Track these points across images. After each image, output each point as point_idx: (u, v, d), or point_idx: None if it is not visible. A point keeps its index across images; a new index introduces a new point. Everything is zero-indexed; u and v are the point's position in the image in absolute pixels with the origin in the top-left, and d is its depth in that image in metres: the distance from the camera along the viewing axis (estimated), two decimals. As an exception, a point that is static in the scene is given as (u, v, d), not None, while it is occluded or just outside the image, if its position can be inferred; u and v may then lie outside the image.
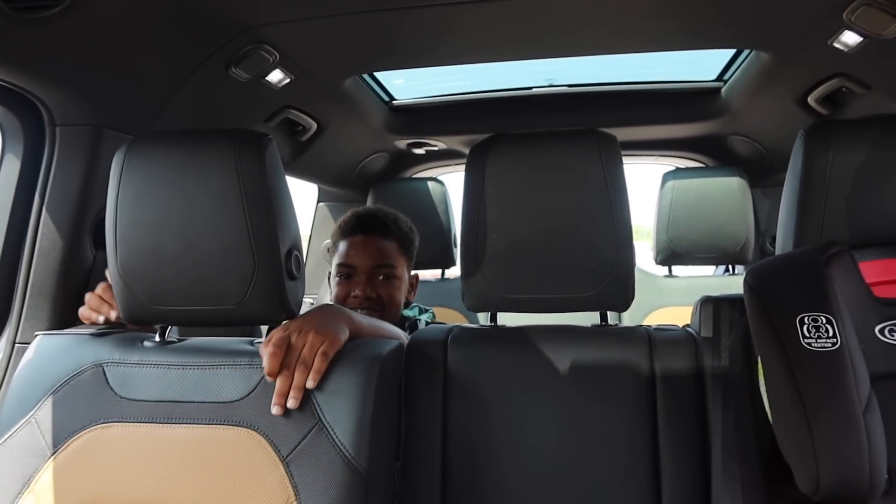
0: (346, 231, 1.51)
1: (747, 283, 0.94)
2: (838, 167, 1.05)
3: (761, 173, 2.38)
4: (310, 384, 0.98)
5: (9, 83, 1.19)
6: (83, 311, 1.21)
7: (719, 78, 2.09)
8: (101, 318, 1.18)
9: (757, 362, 0.96)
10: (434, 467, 1.14)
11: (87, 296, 1.22)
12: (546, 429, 1.15)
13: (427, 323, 1.60)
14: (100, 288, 1.21)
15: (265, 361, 0.99)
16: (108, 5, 1.13)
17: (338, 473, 0.95)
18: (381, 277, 1.48)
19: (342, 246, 1.51)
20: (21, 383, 1.08)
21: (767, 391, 0.90)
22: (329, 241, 2.16)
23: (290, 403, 0.97)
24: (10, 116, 1.29)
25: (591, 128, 1.19)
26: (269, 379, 0.99)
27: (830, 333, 0.84)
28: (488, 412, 1.16)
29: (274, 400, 0.98)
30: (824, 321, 0.85)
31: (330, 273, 1.58)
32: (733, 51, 1.89)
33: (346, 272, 1.49)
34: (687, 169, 2.52)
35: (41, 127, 1.31)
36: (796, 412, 0.82)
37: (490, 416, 1.16)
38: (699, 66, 2.09)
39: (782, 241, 1.13)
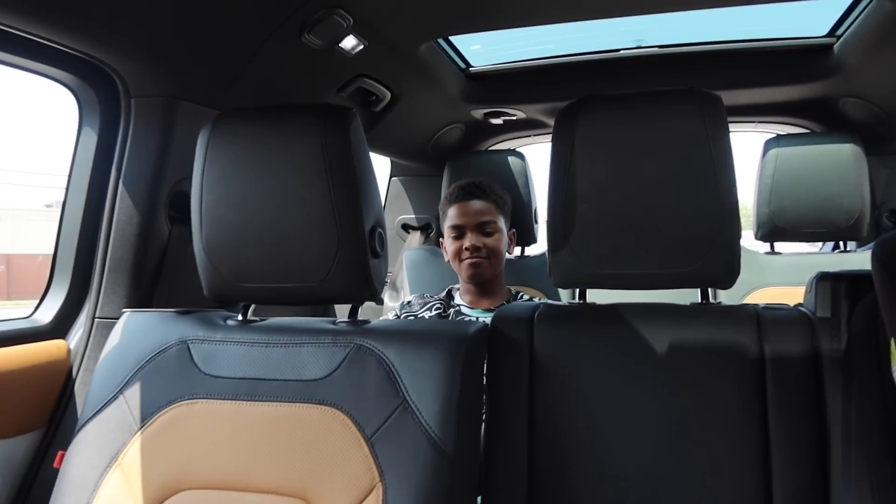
0: (451, 200, 1.82)
1: (876, 256, 0.84)
2: None
3: (878, 139, 2.16)
4: None
5: (85, 54, 1.19)
6: None
7: (831, 33, 1.90)
8: None
9: (888, 346, 0.84)
10: (520, 452, 1.08)
11: None
12: (642, 415, 1.06)
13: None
14: None
15: None
16: None
17: (423, 455, 0.91)
18: (484, 231, 1.76)
19: (451, 212, 1.80)
20: (109, 360, 1.10)
21: None
22: (401, 216, 2.73)
23: None
24: (86, 88, 1.29)
25: (692, 87, 1.08)
26: None
27: None
28: (578, 396, 1.09)
29: None
30: None
31: (441, 238, 1.88)
32: (849, 1, 1.70)
33: (457, 232, 1.78)
34: (792, 135, 2.32)
35: (117, 99, 1.32)
36: None
37: (580, 401, 1.09)
38: (808, 19, 1.91)
39: None
